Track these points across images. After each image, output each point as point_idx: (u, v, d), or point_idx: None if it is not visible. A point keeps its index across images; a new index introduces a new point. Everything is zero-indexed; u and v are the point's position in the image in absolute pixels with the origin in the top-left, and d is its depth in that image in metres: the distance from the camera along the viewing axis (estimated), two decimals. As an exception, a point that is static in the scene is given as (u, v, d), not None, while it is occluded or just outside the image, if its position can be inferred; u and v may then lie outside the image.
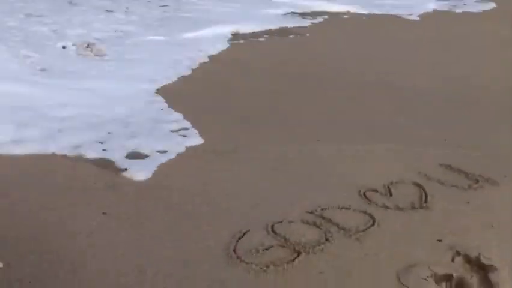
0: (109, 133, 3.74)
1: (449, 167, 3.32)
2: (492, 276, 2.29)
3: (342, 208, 2.81)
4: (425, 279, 2.23)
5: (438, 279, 2.26)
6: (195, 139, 3.71)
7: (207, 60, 6.07)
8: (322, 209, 2.78)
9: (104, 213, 2.71)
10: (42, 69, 5.36)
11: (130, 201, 2.86)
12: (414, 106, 4.74)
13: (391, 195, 2.97)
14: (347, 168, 3.33)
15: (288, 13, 9.10)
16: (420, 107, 4.72)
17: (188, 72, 5.52)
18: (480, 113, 4.55)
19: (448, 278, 2.28)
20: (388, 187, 3.05)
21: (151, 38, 7.00)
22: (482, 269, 2.35)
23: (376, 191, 3.01)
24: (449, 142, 3.77)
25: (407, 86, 5.31)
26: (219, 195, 2.94)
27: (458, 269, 2.33)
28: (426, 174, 3.20)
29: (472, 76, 5.75)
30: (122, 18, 8.19)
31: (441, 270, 2.29)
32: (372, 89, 5.21)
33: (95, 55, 5.91)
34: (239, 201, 2.88)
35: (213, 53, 6.33)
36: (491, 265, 2.34)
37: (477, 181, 3.13)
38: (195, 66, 5.76)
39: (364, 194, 2.96)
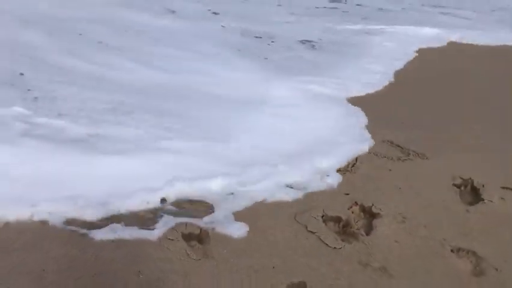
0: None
1: (390, 142, 3.75)
2: (374, 222, 2.75)
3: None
4: (315, 217, 2.74)
5: (328, 219, 2.76)
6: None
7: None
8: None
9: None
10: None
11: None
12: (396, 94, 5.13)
13: (326, 160, 3.47)
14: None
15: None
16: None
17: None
18: (444, 102, 4.86)
19: (337, 219, 2.77)
20: (326, 155, 3.54)
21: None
22: (370, 216, 2.82)
23: (314, 156, 3.51)
24: (405, 125, 4.17)
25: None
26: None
27: (350, 215, 2.82)
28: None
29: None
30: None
31: (333, 213, 2.79)
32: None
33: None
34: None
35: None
36: (378, 213, 2.81)
37: (408, 155, 3.56)
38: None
39: (303, 158, 3.48)
